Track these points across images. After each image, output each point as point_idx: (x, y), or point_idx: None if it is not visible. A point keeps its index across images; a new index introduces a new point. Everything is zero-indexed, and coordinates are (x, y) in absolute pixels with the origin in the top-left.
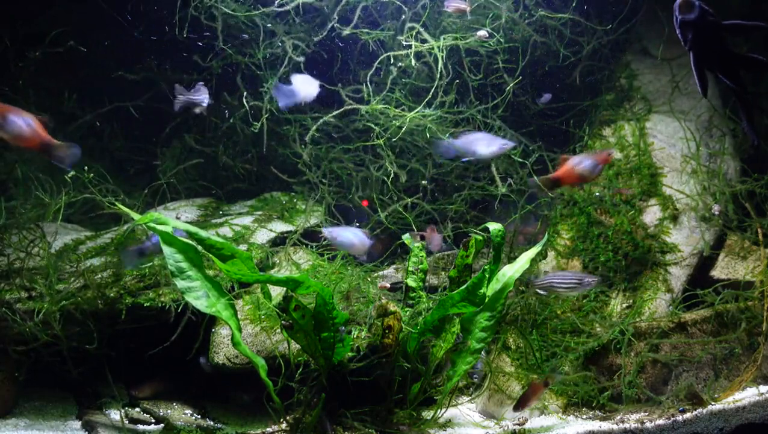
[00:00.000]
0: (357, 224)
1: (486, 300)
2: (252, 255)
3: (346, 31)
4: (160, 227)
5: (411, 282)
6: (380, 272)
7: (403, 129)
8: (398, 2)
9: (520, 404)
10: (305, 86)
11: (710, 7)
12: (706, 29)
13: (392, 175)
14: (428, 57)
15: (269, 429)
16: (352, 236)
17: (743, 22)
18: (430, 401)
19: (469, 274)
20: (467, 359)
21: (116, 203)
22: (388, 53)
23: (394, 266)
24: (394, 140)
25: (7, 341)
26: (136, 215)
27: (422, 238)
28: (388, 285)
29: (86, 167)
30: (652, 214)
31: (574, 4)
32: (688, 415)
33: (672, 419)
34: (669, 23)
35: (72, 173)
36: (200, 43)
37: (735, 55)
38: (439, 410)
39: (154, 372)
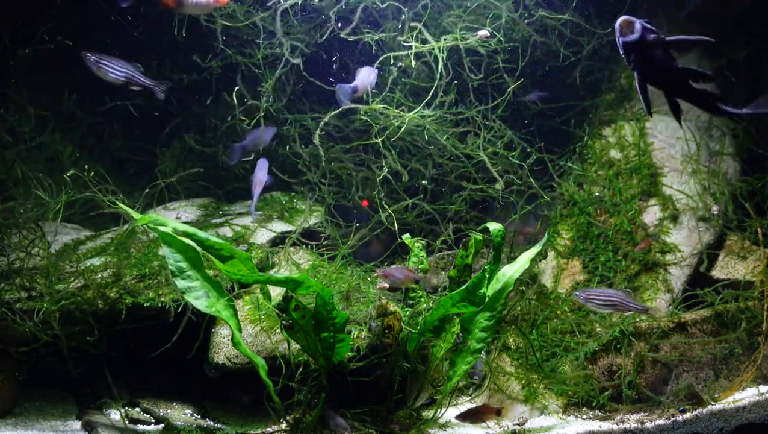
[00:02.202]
0: (357, 224)
1: (486, 300)
2: (251, 255)
3: (344, 31)
4: (159, 228)
5: None
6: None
7: (403, 129)
8: (398, 3)
9: (465, 416)
10: (365, 77)
11: (653, 25)
12: (650, 48)
13: (386, 172)
14: (428, 57)
15: (269, 429)
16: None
17: (688, 37)
18: (430, 401)
19: (469, 274)
20: (467, 359)
21: (117, 202)
22: (389, 54)
23: (394, 266)
24: (393, 139)
25: (7, 341)
26: (136, 215)
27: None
28: (387, 285)
29: (86, 166)
30: (652, 214)
31: (574, 5)
32: (688, 415)
33: (672, 419)
34: (669, 23)
35: (72, 171)
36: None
37: (680, 70)
38: (439, 410)
39: (153, 371)
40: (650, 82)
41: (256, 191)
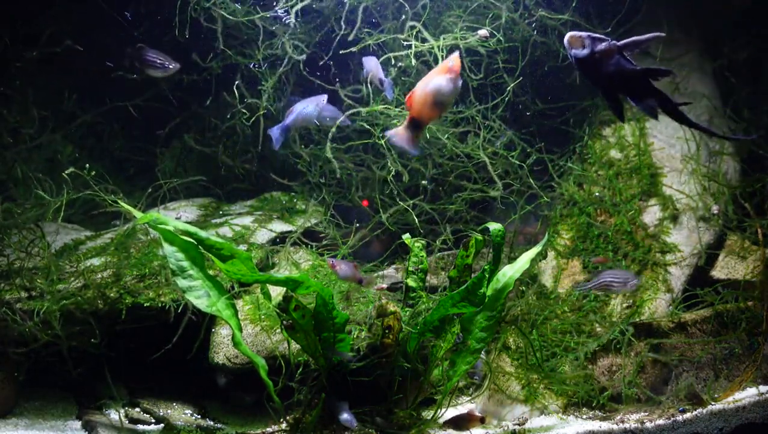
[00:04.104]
0: (357, 224)
1: (486, 300)
2: (252, 255)
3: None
4: (161, 226)
5: (411, 282)
6: (380, 272)
7: None
8: (399, 1)
9: (450, 422)
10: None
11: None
12: (603, 58)
13: (391, 172)
14: (428, 57)
15: (269, 429)
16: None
17: (638, 38)
18: (430, 401)
19: (469, 274)
20: (467, 359)
21: (119, 201)
22: (389, 54)
23: (394, 266)
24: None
25: (7, 341)
26: (138, 213)
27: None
28: (385, 286)
29: (87, 166)
30: (652, 214)
31: (574, 5)
32: (688, 415)
33: (672, 419)
34: (669, 23)
35: (71, 169)
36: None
37: (639, 72)
38: (439, 410)
39: (153, 371)
40: (613, 90)
41: None
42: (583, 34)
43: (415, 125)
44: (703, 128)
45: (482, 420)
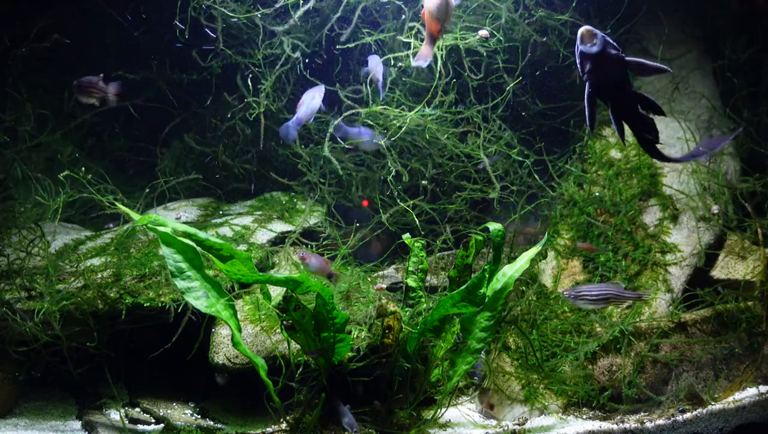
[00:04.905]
0: (357, 224)
1: (486, 300)
2: (251, 255)
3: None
4: (159, 229)
5: (411, 282)
6: (380, 272)
7: (403, 129)
8: (398, 2)
9: (483, 393)
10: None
11: (616, 42)
12: (607, 63)
13: (393, 173)
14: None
15: (269, 429)
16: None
17: (646, 62)
18: (430, 401)
19: (469, 274)
20: (467, 359)
21: (116, 203)
22: (389, 54)
23: (394, 266)
24: (393, 139)
25: (7, 341)
26: (135, 215)
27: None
28: (384, 286)
29: (83, 168)
30: (652, 214)
31: (574, 5)
32: (688, 415)
33: (672, 419)
34: (669, 23)
35: (66, 172)
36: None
37: (632, 93)
38: (439, 410)
39: (153, 371)
40: (600, 97)
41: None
42: (599, 33)
43: (433, 40)
44: (678, 158)
45: (490, 407)
